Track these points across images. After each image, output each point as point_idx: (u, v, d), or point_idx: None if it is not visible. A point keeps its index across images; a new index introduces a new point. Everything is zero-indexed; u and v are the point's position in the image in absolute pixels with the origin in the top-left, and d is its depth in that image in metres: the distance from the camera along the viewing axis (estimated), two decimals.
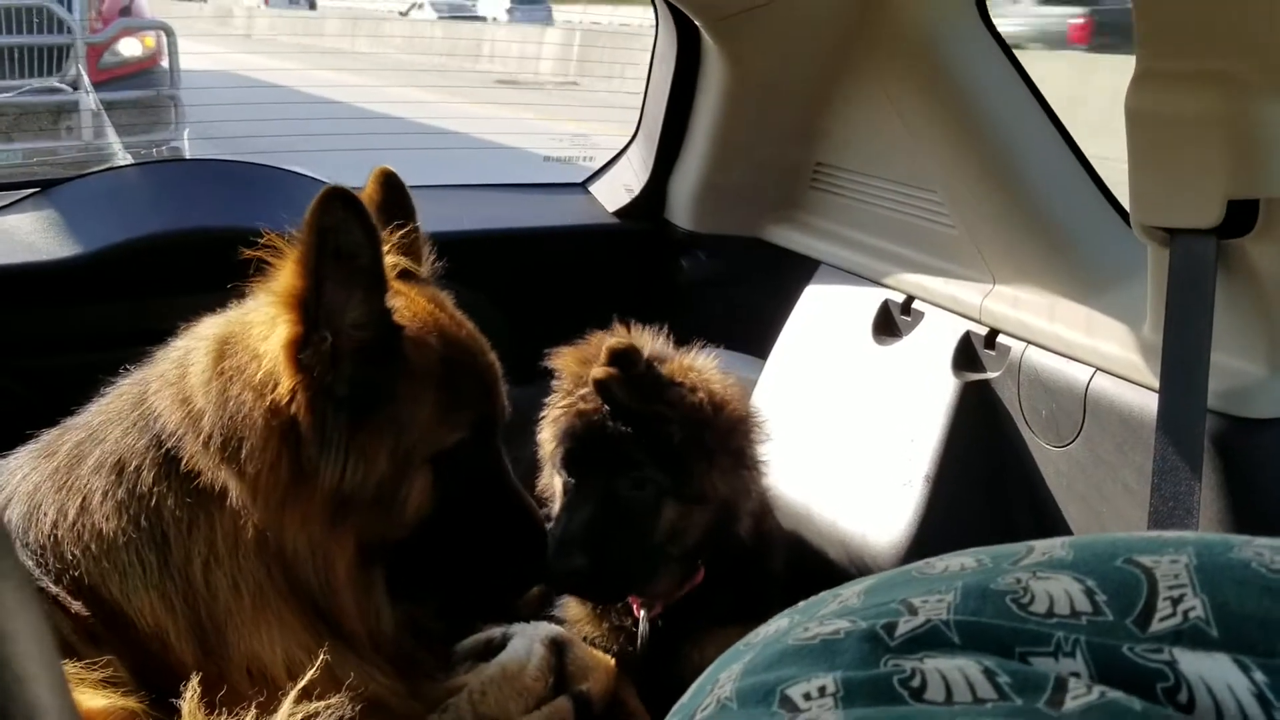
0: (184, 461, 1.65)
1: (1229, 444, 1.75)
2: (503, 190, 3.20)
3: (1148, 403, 1.83)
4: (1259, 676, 0.58)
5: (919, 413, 2.18)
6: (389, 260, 1.70)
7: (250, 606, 1.65)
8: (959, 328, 2.21)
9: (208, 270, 2.59)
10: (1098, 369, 1.95)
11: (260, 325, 1.65)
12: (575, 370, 1.96)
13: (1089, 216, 2.10)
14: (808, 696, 0.62)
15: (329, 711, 1.51)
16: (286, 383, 1.58)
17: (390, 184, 1.89)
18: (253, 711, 1.53)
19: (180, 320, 2.58)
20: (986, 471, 2.14)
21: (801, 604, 0.82)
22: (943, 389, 2.16)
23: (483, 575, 1.83)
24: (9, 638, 0.43)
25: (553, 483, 2.01)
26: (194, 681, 1.51)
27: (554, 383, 2.01)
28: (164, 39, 8.41)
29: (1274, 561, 0.65)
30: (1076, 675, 0.59)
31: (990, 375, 2.15)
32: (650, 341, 2.02)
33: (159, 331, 2.59)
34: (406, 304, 1.72)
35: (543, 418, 2.01)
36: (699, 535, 1.96)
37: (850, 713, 0.59)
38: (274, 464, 1.61)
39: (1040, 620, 0.64)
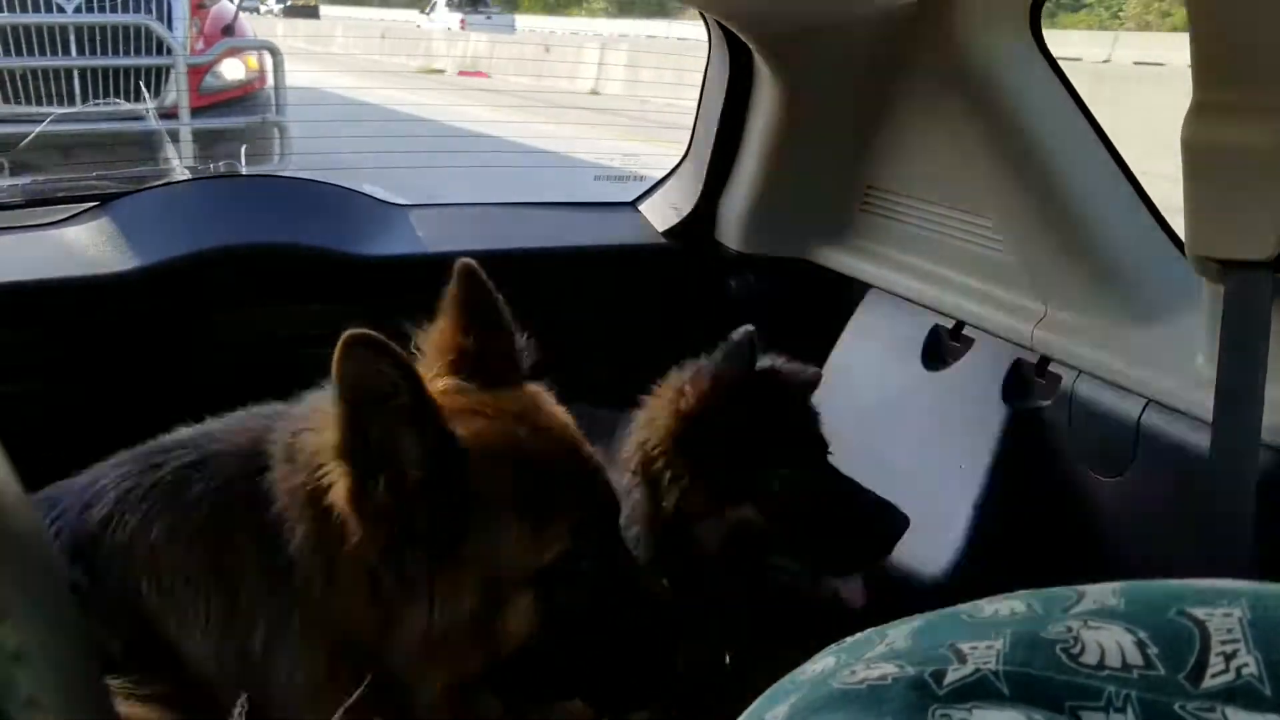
0: (272, 546, 1.62)
1: None
2: (552, 208, 3.21)
3: (1201, 437, 1.81)
4: None
5: (968, 440, 2.16)
6: (444, 384, 1.67)
7: (304, 692, 1.62)
8: (1010, 355, 2.20)
9: (263, 285, 2.65)
10: (1150, 400, 1.92)
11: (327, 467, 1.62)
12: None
13: (1143, 245, 2.08)
14: None
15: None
16: (355, 533, 1.55)
17: (472, 280, 1.81)
18: None
19: (236, 336, 2.65)
20: (1036, 501, 2.12)
21: (848, 641, 0.82)
22: (992, 416, 2.15)
23: (612, 673, 1.76)
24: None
25: None
26: (242, 699, 1.52)
27: None
28: (269, 60, 8.09)
29: None
30: None
31: (1041, 404, 2.13)
32: None
33: (219, 343, 2.64)
34: (476, 426, 1.64)
35: None
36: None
37: None
38: (353, 601, 1.58)
39: (1091, 672, 0.63)
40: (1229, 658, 0.62)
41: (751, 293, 2.91)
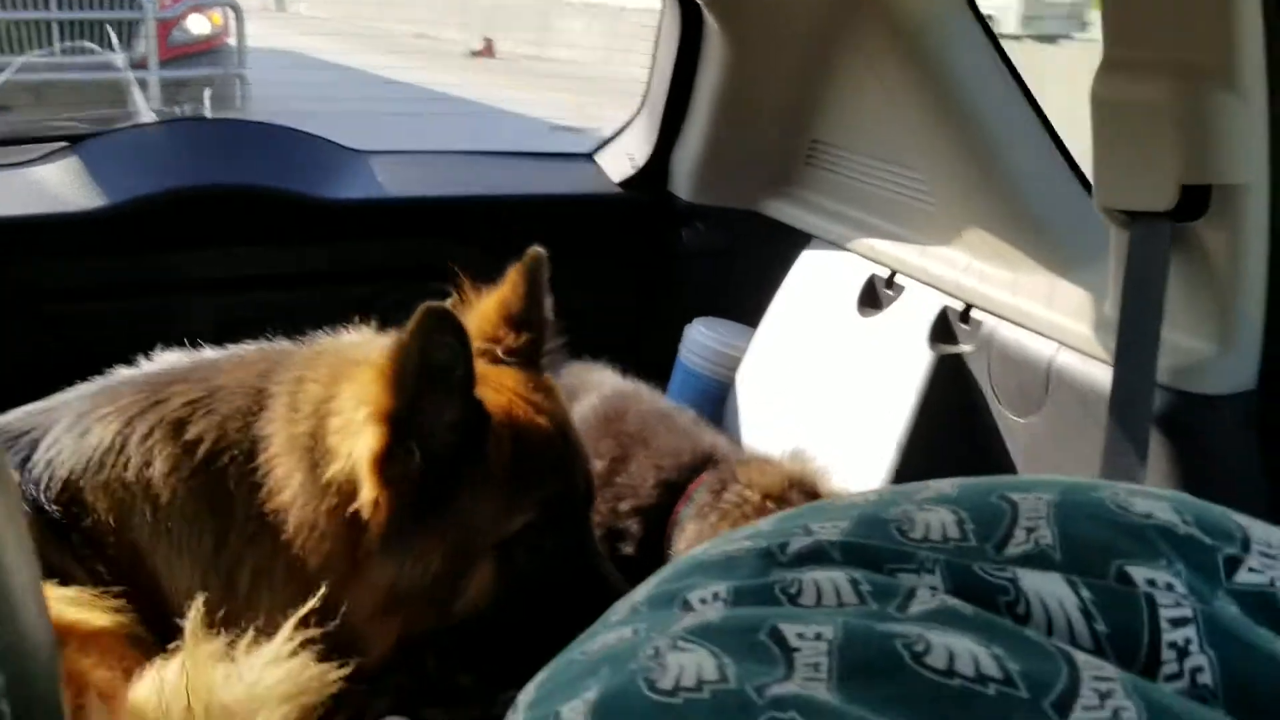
0: (265, 489, 1.68)
1: (1179, 419, 1.84)
2: (512, 158, 3.29)
3: (1106, 377, 1.92)
4: (1085, 593, 0.68)
5: (895, 382, 2.27)
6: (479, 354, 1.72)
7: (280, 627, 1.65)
8: (937, 302, 2.31)
9: (228, 226, 2.73)
10: (1061, 344, 2.04)
11: (343, 419, 1.67)
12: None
13: (1062, 199, 2.18)
14: (703, 600, 0.73)
15: (325, 639, 1.59)
16: (369, 493, 1.59)
17: (537, 268, 1.89)
18: (250, 633, 1.61)
19: (199, 272, 2.72)
20: (957, 441, 2.24)
21: (726, 532, 0.93)
22: (919, 360, 2.26)
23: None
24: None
25: None
26: (199, 601, 1.59)
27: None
28: (231, 17, 8.49)
29: (1128, 502, 0.75)
30: (933, 589, 0.69)
31: (965, 349, 2.24)
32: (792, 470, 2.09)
33: (181, 281, 2.72)
34: (490, 399, 1.70)
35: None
36: None
37: (732, 611, 0.69)
38: (332, 551, 1.63)
39: (915, 545, 0.74)
40: (1031, 530, 0.73)
41: (701, 242, 3.01)
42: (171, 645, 1.55)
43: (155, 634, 1.63)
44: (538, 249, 1.91)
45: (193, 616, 1.56)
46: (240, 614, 1.66)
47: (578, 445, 1.85)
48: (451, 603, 1.67)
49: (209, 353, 1.90)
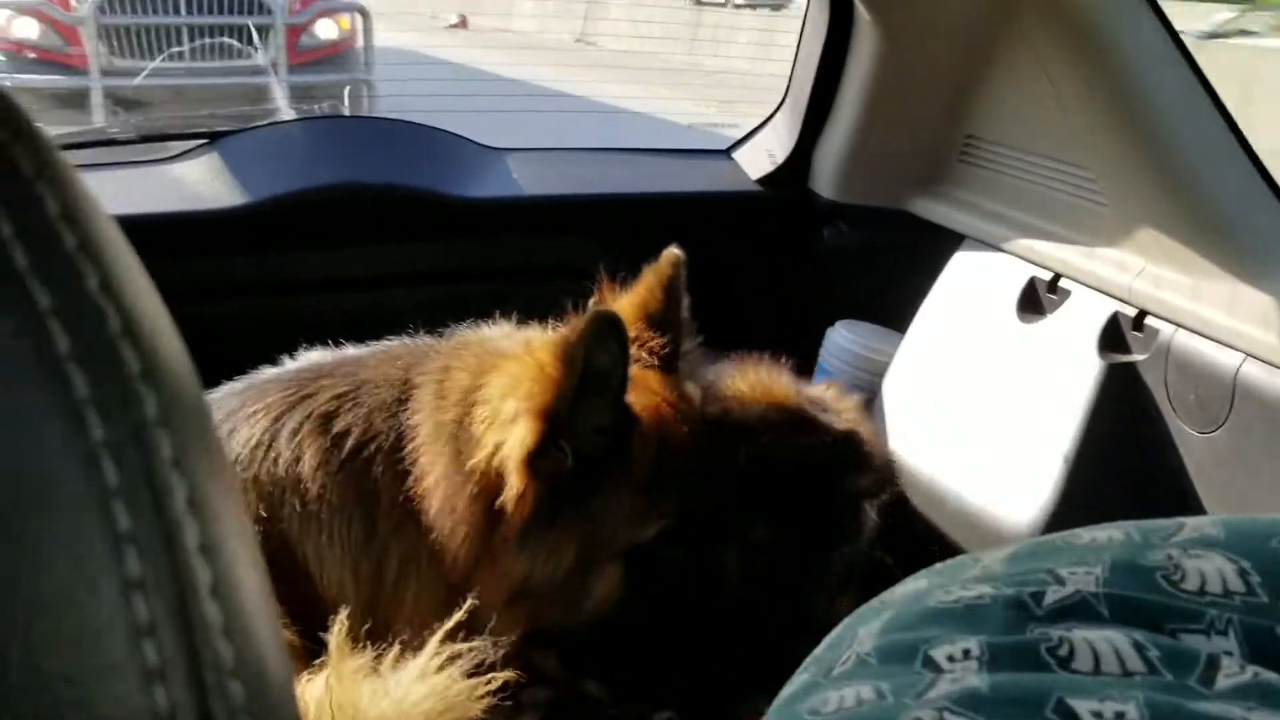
0: (411, 478, 1.71)
1: None
2: (646, 155, 3.23)
3: None
4: None
5: (1061, 393, 2.15)
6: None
7: (423, 617, 1.69)
8: (1107, 308, 2.17)
9: (366, 224, 2.71)
10: (1249, 355, 1.90)
11: (491, 408, 1.68)
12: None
13: (1247, 199, 2.03)
14: (951, 659, 0.64)
15: (472, 652, 1.57)
16: (516, 487, 1.61)
17: (677, 269, 1.89)
18: (396, 648, 1.60)
19: (337, 271, 2.71)
20: (1128, 455, 2.10)
21: (940, 565, 0.84)
22: (1087, 370, 2.13)
23: (677, 676, 1.77)
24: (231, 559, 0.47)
25: None
26: (343, 615, 1.59)
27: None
28: (359, 21, 8.57)
29: None
30: (1229, 654, 0.60)
31: (1137, 358, 2.11)
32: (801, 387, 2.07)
33: (319, 280, 2.71)
34: (639, 400, 1.72)
35: None
36: None
37: (995, 677, 0.61)
38: (471, 540, 1.66)
39: (1191, 597, 0.64)
40: None
41: (845, 242, 2.91)
42: (317, 661, 1.53)
43: (305, 633, 1.64)
44: (675, 249, 1.90)
45: (337, 630, 1.55)
46: (388, 603, 1.71)
47: (717, 461, 1.81)
48: (579, 602, 1.68)
49: (353, 349, 1.91)
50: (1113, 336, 2.16)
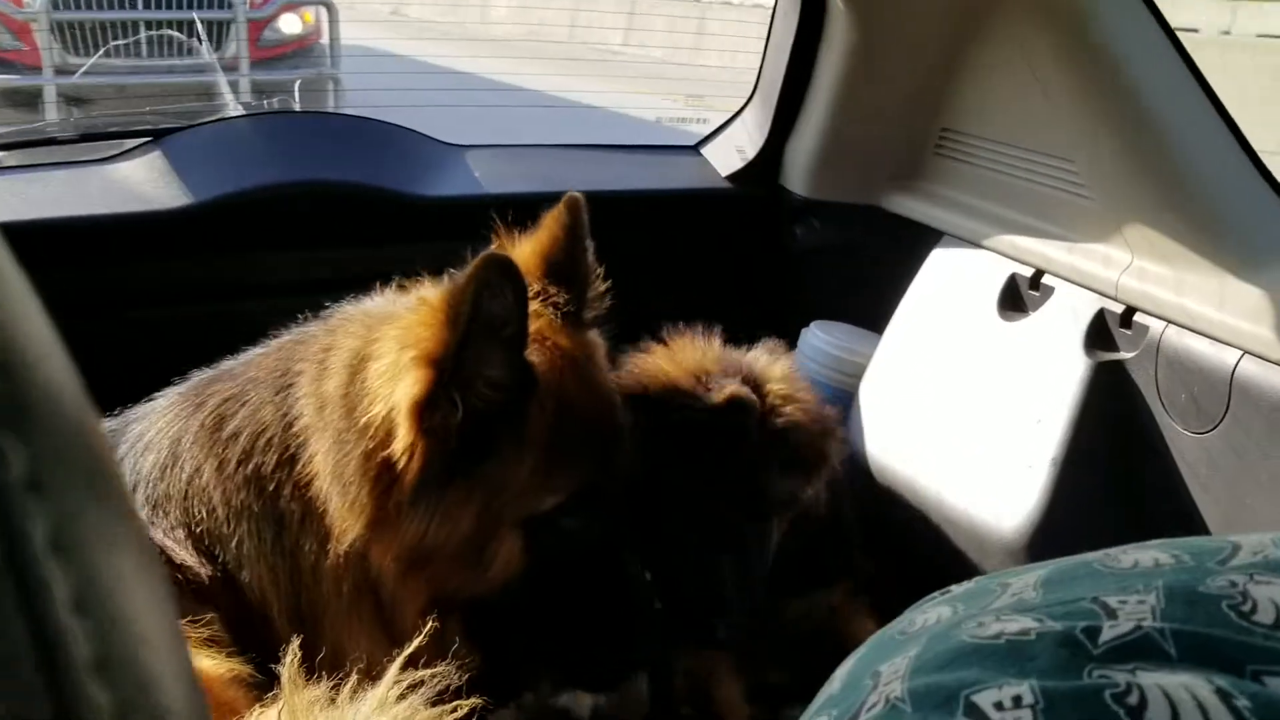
0: (303, 461, 1.64)
1: None
2: (614, 152, 3.13)
3: None
4: None
5: (1047, 393, 2.07)
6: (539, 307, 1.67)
7: (346, 606, 1.65)
8: (1092, 304, 2.10)
9: (317, 225, 2.60)
10: (1246, 351, 1.83)
11: (386, 361, 1.60)
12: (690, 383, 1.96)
13: (1239, 191, 1.97)
14: (1000, 706, 0.55)
15: (435, 680, 1.48)
16: (405, 439, 1.53)
17: (575, 214, 1.81)
18: (354, 677, 1.50)
19: (290, 274, 2.59)
20: (1118, 456, 2.03)
21: (958, 590, 0.75)
22: (1073, 368, 2.06)
23: (575, 647, 1.74)
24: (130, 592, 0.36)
25: None
26: (294, 645, 1.49)
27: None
28: (324, 15, 8.33)
29: None
30: None
31: (1125, 355, 2.04)
32: (722, 356, 2.05)
33: (268, 284, 2.59)
34: (539, 359, 1.64)
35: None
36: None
37: None
38: (366, 500, 1.58)
39: (1268, 632, 0.56)
40: None
41: (817, 239, 2.83)
42: (269, 695, 1.44)
43: (255, 664, 1.58)
44: (575, 193, 1.82)
45: (289, 661, 1.45)
46: (312, 600, 1.65)
47: (621, 428, 1.77)
48: (479, 569, 1.62)
49: (253, 349, 1.84)
50: (1099, 334, 2.08)
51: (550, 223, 1.79)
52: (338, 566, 1.63)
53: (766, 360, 2.07)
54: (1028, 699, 0.56)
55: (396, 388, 1.55)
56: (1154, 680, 0.54)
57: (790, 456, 1.93)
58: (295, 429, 1.66)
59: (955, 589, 0.76)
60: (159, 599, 0.41)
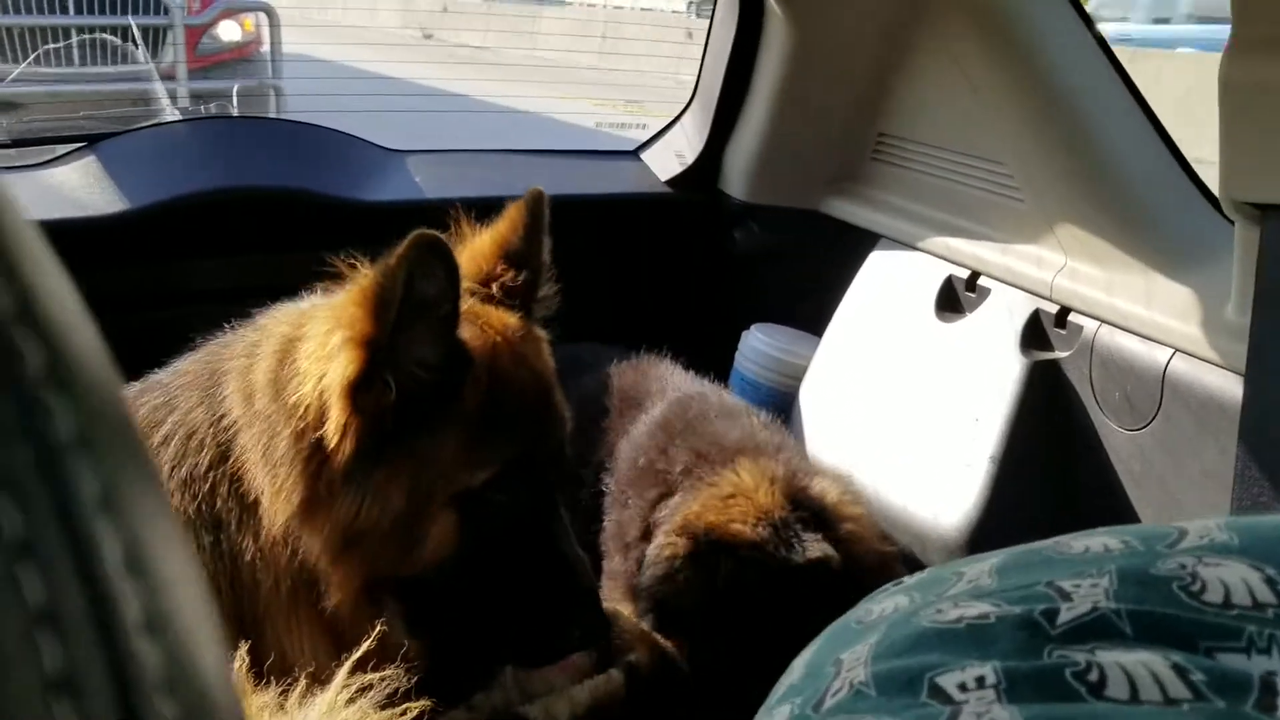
0: (235, 457, 1.62)
1: None
2: (554, 156, 3.14)
3: (1231, 386, 1.77)
4: None
5: (984, 392, 2.11)
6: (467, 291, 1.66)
7: (287, 606, 1.62)
8: (1028, 305, 2.15)
9: (256, 230, 2.57)
10: (1177, 350, 1.88)
11: (316, 342, 1.58)
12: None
13: (1169, 192, 2.02)
14: (963, 687, 0.57)
15: (384, 683, 1.47)
16: (337, 420, 1.52)
17: (536, 208, 1.82)
18: (303, 681, 1.49)
19: (227, 281, 2.57)
20: (1055, 453, 2.07)
21: (912, 580, 0.76)
22: (1009, 368, 2.10)
23: (516, 626, 1.71)
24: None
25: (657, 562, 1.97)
26: (242, 650, 1.48)
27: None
28: (265, 22, 8.07)
29: None
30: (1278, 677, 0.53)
31: (1060, 355, 2.08)
32: (778, 481, 1.97)
33: (205, 292, 2.56)
34: (474, 339, 1.63)
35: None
36: None
37: (1024, 709, 0.53)
38: (297, 480, 1.56)
39: (1219, 611, 0.58)
40: None
41: (757, 244, 2.85)
42: None
43: None
44: (538, 187, 1.84)
45: (236, 668, 1.43)
46: (252, 603, 1.63)
47: (558, 408, 1.76)
48: (413, 549, 1.60)
49: (181, 358, 1.82)
50: (1035, 334, 2.13)
51: (511, 213, 1.80)
52: (276, 564, 1.61)
53: (834, 491, 2.00)
54: (991, 679, 0.57)
55: (328, 368, 1.53)
56: (1112, 658, 0.56)
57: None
58: (224, 424, 1.64)
59: (908, 579, 0.78)
60: (191, 565, 0.42)
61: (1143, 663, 0.56)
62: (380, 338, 1.48)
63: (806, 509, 1.91)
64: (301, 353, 1.59)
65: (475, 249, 1.78)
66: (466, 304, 1.62)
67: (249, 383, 1.65)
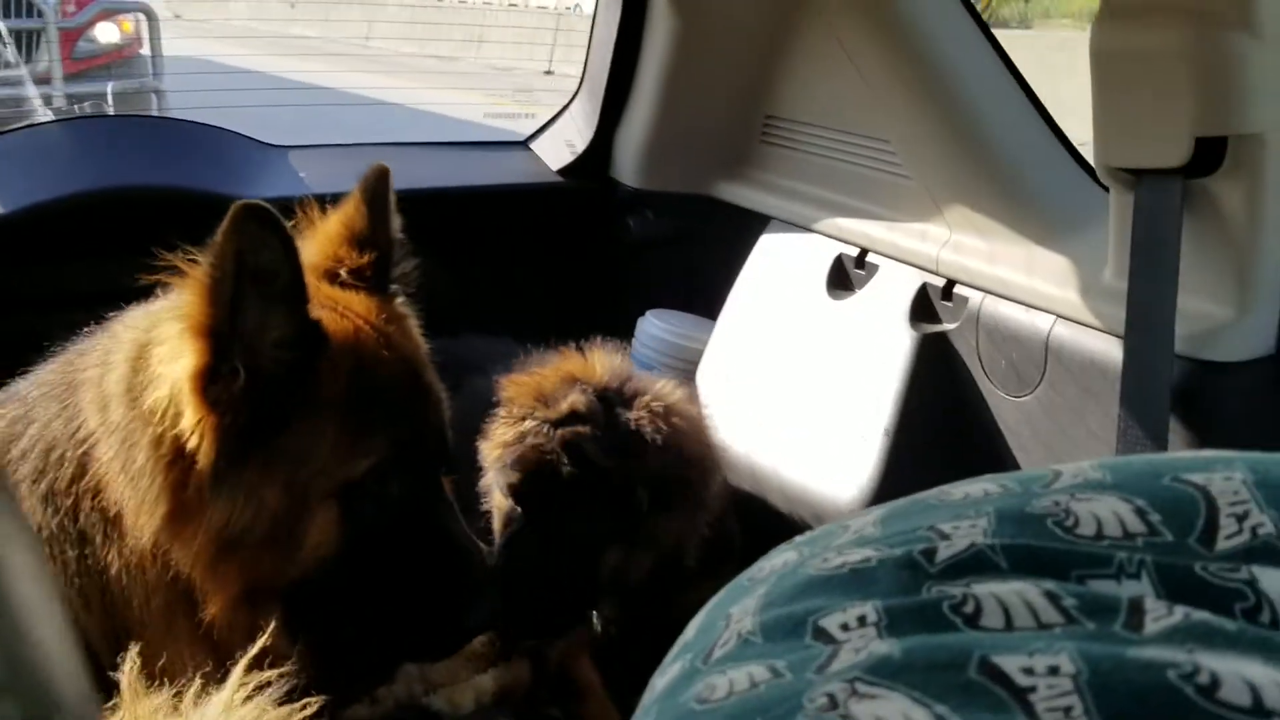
0: (92, 471, 1.56)
1: (1196, 388, 1.73)
2: (442, 148, 3.11)
3: (1110, 349, 1.81)
4: None
5: (876, 366, 2.14)
6: (318, 271, 1.63)
7: (160, 621, 1.56)
8: (915, 280, 2.18)
9: (135, 231, 2.49)
10: (1059, 316, 1.92)
11: (169, 344, 1.51)
12: (529, 403, 1.87)
13: (1046, 164, 2.07)
14: (845, 627, 0.57)
15: (282, 680, 1.44)
16: (191, 416, 1.46)
17: (381, 183, 1.76)
18: (198, 682, 1.45)
19: (106, 284, 2.49)
20: (947, 423, 2.11)
21: (803, 537, 0.77)
22: (900, 342, 2.13)
23: (409, 619, 1.66)
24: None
25: (493, 496, 1.94)
26: (133, 652, 1.43)
27: (504, 402, 1.91)
28: (144, 23, 7.81)
29: None
30: (1147, 597, 0.54)
31: (948, 327, 2.12)
32: (608, 366, 1.96)
33: (83, 295, 2.48)
34: (330, 321, 1.57)
35: (489, 424, 1.91)
36: (643, 575, 1.91)
37: (902, 642, 0.54)
38: (159, 493, 1.50)
39: (1090, 542, 0.59)
40: (1240, 519, 0.59)
41: (650, 230, 2.86)
42: (108, 704, 1.37)
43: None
44: (380, 164, 1.77)
45: (129, 668, 1.39)
46: (131, 619, 1.57)
47: (431, 387, 1.72)
48: (293, 549, 1.54)
49: (41, 366, 1.75)
50: (923, 307, 2.16)
51: (355, 192, 1.74)
52: (145, 579, 1.55)
53: (678, 393, 1.98)
54: (871, 617, 0.57)
55: (176, 365, 1.47)
56: (987, 589, 0.57)
57: (658, 490, 1.86)
58: (80, 435, 1.58)
59: (800, 537, 0.78)
60: (52, 605, 0.40)
61: (1016, 592, 0.56)
62: (221, 321, 1.42)
63: (635, 393, 1.90)
64: (155, 356, 1.53)
65: (321, 235, 1.72)
66: (321, 291, 1.58)
67: (103, 392, 1.58)
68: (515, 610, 1.80)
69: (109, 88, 6.58)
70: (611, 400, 1.88)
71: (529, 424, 1.83)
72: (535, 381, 1.90)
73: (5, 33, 6.67)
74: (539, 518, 1.84)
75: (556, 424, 1.81)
